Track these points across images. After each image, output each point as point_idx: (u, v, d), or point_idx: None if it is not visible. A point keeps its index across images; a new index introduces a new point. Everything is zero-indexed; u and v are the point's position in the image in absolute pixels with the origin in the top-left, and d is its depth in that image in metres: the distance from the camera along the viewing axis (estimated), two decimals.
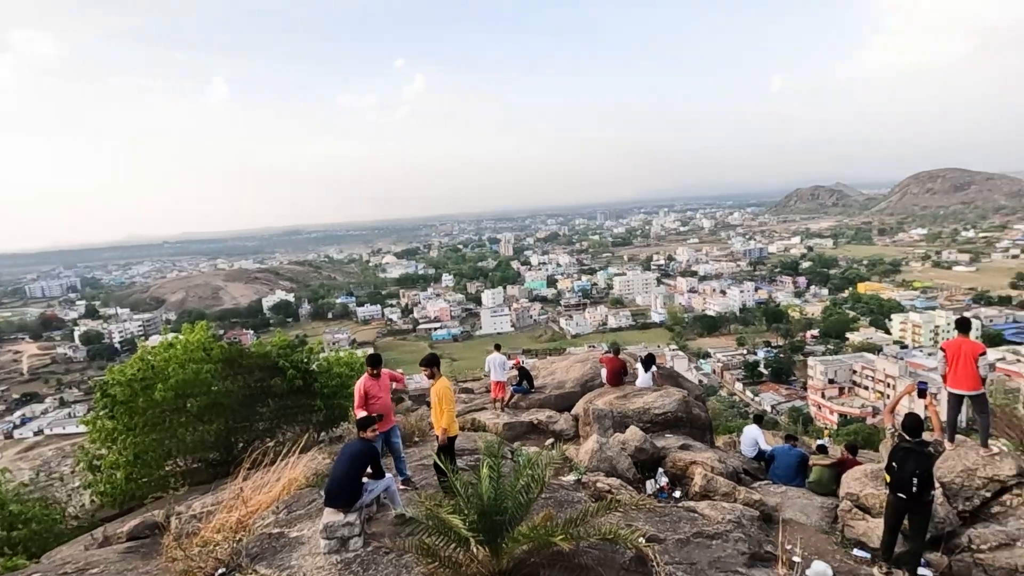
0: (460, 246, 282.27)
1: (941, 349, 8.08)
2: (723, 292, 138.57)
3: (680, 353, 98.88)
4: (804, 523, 8.07)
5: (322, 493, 6.20)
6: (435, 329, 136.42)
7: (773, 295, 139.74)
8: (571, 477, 8.35)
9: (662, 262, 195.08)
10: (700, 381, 68.66)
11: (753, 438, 11.60)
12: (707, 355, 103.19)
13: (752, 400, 79.61)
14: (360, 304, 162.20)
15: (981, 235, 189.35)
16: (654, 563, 5.26)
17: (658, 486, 8.72)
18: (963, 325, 8.25)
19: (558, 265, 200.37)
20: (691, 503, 7.69)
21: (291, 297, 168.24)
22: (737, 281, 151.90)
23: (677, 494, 8.56)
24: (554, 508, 6.43)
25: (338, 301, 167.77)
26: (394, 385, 8.05)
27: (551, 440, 11.77)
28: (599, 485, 7.91)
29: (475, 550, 4.87)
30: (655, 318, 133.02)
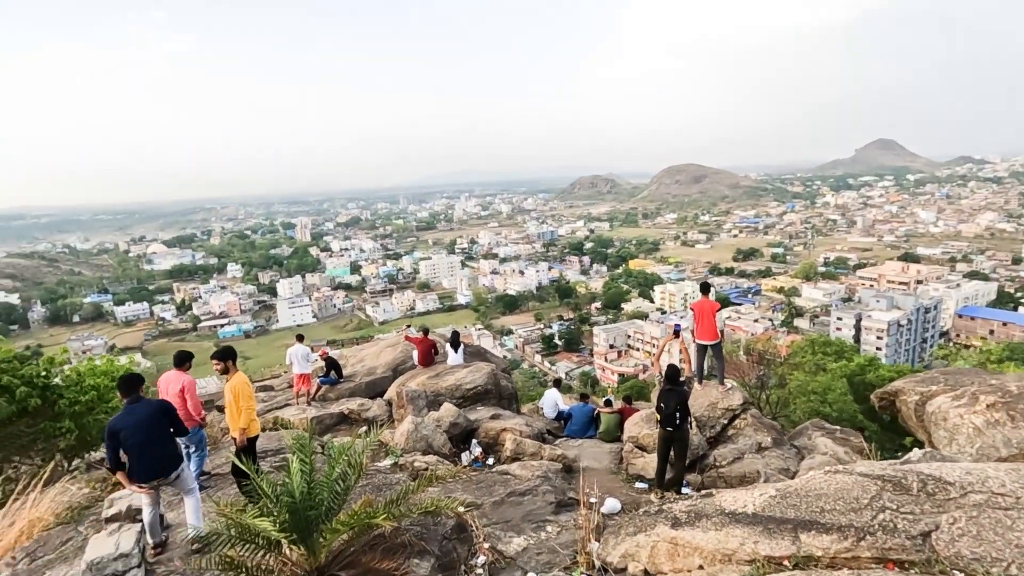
0: (248, 232, 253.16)
1: (690, 308, 9.89)
2: (521, 272, 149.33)
3: (485, 332, 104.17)
4: (598, 468, 9.23)
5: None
6: (222, 326, 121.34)
7: (564, 273, 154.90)
8: (387, 461, 8.24)
9: (465, 245, 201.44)
10: (504, 356, 73.21)
11: (554, 400, 12.82)
12: (509, 332, 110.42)
13: (550, 369, 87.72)
14: (119, 303, 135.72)
15: (713, 219, 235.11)
16: (473, 526, 5.51)
17: (473, 456, 9.11)
18: (705, 287, 10.17)
19: (362, 251, 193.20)
20: (504, 467, 8.21)
21: (14, 298, 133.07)
22: (533, 262, 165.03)
23: (491, 461, 9.05)
24: (372, 493, 6.28)
25: (87, 301, 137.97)
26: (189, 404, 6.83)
27: (364, 427, 11.43)
28: (416, 464, 7.95)
29: (288, 551, 4.51)
30: (461, 300, 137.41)
